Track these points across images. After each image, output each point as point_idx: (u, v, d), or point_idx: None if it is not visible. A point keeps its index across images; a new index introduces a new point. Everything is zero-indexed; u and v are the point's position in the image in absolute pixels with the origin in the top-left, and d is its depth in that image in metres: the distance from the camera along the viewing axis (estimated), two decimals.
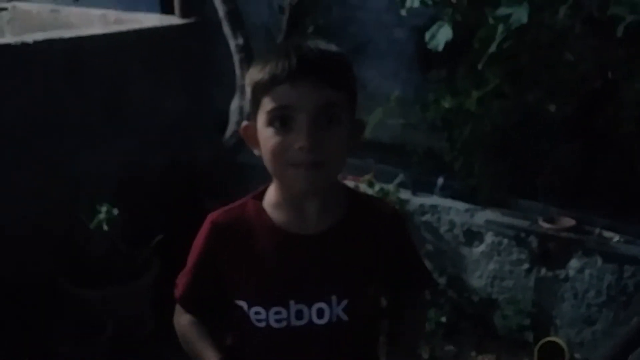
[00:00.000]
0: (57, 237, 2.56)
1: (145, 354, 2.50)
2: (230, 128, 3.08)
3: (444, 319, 2.71)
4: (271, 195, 1.11)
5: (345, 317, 1.08)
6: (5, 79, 2.41)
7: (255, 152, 1.07)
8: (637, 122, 2.92)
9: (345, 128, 1.02)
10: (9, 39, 2.61)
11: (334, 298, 1.07)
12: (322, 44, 1.05)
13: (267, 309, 1.07)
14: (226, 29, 3.04)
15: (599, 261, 2.46)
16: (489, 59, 2.38)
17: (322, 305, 1.07)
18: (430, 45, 2.48)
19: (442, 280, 2.75)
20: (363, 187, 2.88)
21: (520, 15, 2.23)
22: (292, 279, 1.08)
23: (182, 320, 1.18)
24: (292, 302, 1.07)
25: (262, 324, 1.08)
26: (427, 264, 2.73)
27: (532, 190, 3.11)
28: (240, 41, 3.01)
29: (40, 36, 2.54)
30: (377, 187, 2.88)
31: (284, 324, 1.07)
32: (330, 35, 4.07)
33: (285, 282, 1.08)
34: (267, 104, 1.01)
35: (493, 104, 2.86)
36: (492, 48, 2.30)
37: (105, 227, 2.36)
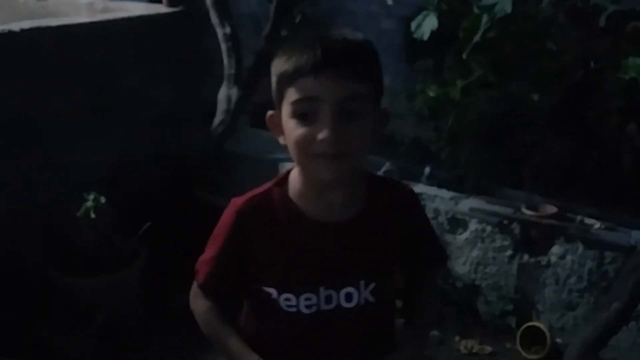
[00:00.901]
0: (45, 227, 2.56)
1: (135, 342, 2.52)
2: (218, 117, 3.09)
3: None
4: (295, 183, 1.11)
5: (372, 299, 1.12)
6: None
7: (280, 140, 1.08)
8: (621, 112, 2.97)
9: (370, 119, 1.03)
10: None
11: (362, 282, 1.10)
12: (349, 33, 1.05)
13: (297, 296, 1.09)
14: (213, 17, 3.05)
15: (580, 248, 2.51)
16: (473, 48, 2.42)
17: (351, 289, 1.10)
18: (416, 35, 2.50)
19: None
20: None
21: (505, 5, 2.26)
22: (321, 266, 1.09)
23: (201, 305, 1.18)
24: (321, 288, 1.09)
25: (293, 309, 1.10)
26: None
27: (518, 180, 3.16)
28: (228, 30, 3.02)
29: (27, 24, 2.54)
30: None
31: (314, 309, 1.10)
32: (318, 26, 4.09)
33: (314, 269, 1.09)
34: (291, 95, 1.01)
35: (478, 94, 2.90)
36: (477, 38, 2.33)
37: (93, 215, 2.38)
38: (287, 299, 1.10)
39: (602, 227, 2.53)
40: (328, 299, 1.10)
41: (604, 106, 2.96)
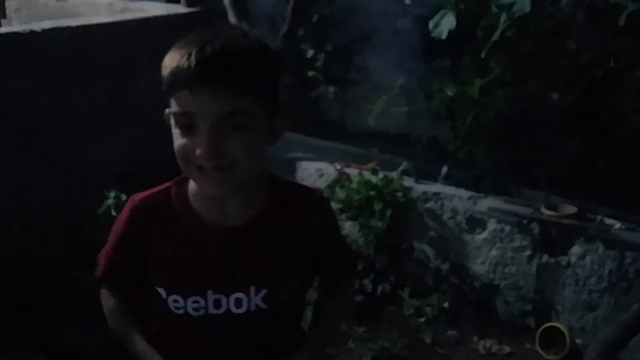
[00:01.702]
0: (64, 224, 2.59)
1: None
2: None
3: (446, 305, 2.74)
4: (193, 184, 1.08)
5: (264, 306, 1.08)
6: (13, 67, 2.44)
7: None
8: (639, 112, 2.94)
9: (257, 130, 0.99)
10: (17, 27, 2.64)
11: (252, 288, 1.07)
12: (236, 38, 0.98)
13: (184, 298, 1.07)
14: (231, 17, 3.07)
15: (601, 248, 2.48)
16: (491, 47, 2.40)
17: (240, 295, 1.07)
18: (434, 34, 2.49)
19: (444, 267, 2.79)
20: (367, 175, 2.91)
21: (523, 4, 2.24)
22: (210, 270, 1.07)
23: (107, 302, 1.18)
24: (209, 292, 1.07)
25: (181, 312, 1.08)
26: (429, 250, 2.81)
27: (535, 180, 3.14)
28: (255, 34, 3.03)
29: (48, 25, 2.57)
30: (380, 174, 2.91)
31: (202, 312, 1.07)
32: (335, 25, 4.10)
33: (203, 272, 1.07)
34: (172, 105, 0.98)
35: (496, 93, 2.88)
36: (495, 37, 2.31)
37: (114, 213, 2.40)
38: (175, 301, 1.08)
39: (623, 227, 2.51)
40: (217, 304, 1.07)
41: (622, 106, 2.93)
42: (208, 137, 0.95)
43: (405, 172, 2.97)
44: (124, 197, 2.45)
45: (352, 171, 2.99)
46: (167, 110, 1.04)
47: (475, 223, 2.74)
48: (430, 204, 2.84)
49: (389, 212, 2.83)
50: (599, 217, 2.57)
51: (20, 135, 2.47)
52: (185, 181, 1.10)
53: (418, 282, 2.85)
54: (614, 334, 2.22)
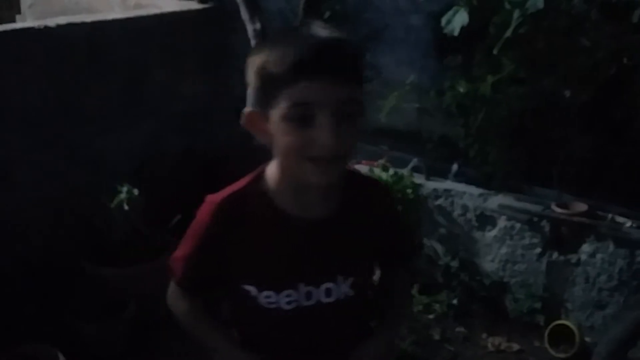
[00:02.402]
0: (78, 218, 2.62)
1: (164, 332, 2.56)
2: None
3: (455, 301, 2.75)
4: (273, 179, 1.09)
5: (351, 293, 1.13)
6: (27, 63, 2.46)
7: (260, 139, 1.06)
8: None
9: (360, 122, 1.02)
10: (32, 22, 2.66)
11: (340, 277, 1.11)
12: (336, 33, 1.01)
13: (278, 293, 1.09)
14: (244, 13, 3.07)
15: (611, 246, 2.48)
16: (504, 44, 2.40)
17: (330, 285, 1.11)
18: (446, 30, 2.49)
19: (454, 264, 2.79)
20: (377, 172, 2.92)
21: (537, 0, 2.24)
22: (300, 264, 1.10)
23: (182, 305, 1.19)
24: (301, 285, 1.09)
25: (273, 306, 1.10)
26: (439, 247, 2.81)
27: (547, 178, 3.12)
28: (258, 26, 3.04)
29: (62, 20, 2.59)
30: (391, 171, 2.91)
31: (294, 305, 1.10)
32: (346, 21, 4.09)
33: (294, 266, 1.09)
34: (285, 99, 0.97)
35: (508, 90, 2.87)
36: (508, 33, 2.31)
37: (126, 207, 2.42)
38: (268, 296, 1.09)
39: (634, 225, 2.50)
40: (308, 295, 1.10)
41: (636, 104, 2.91)
42: (331, 126, 0.97)
43: (415, 169, 2.97)
44: (136, 191, 2.47)
45: (363, 168, 3.00)
46: (247, 110, 1.06)
47: (485, 220, 2.74)
48: (440, 201, 2.85)
49: (399, 208, 2.83)
50: (609, 216, 2.56)
51: (34, 130, 2.50)
52: (260, 178, 1.11)
53: (427, 278, 2.86)
54: (623, 332, 2.22)
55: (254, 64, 1.02)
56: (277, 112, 0.99)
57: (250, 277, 1.10)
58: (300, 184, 1.05)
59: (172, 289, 1.21)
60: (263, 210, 1.09)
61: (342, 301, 1.12)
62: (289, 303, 1.10)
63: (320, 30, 1.00)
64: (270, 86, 0.99)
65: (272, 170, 1.10)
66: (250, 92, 1.05)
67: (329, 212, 1.10)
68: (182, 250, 1.16)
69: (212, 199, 1.11)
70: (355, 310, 1.17)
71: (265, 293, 1.09)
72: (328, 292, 1.11)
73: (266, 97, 1.01)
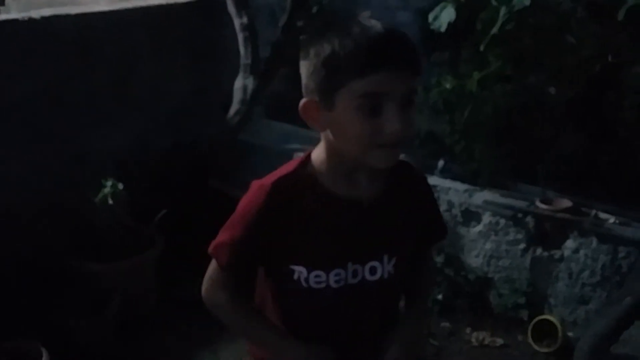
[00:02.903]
0: (64, 213, 2.60)
1: (150, 328, 2.56)
2: (234, 107, 3.11)
3: (440, 297, 2.76)
4: (319, 164, 1.12)
5: (393, 272, 1.17)
6: (12, 55, 2.43)
7: (315, 127, 1.09)
8: (638, 107, 2.94)
9: (415, 107, 1.07)
10: (16, 14, 2.63)
11: (385, 257, 1.16)
12: (388, 25, 1.04)
13: (327, 272, 1.12)
14: (231, 7, 3.06)
15: (594, 242, 2.50)
16: (491, 40, 2.41)
17: (375, 263, 1.15)
18: (434, 26, 2.50)
19: (439, 259, 2.80)
20: None
21: None
22: (349, 243, 1.13)
23: (222, 296, 1.18)
24: (349, 264, 1.14)
25: (322, 285, 1.13)
26: None
27: (532, 174, 3.14)
28: (245, 20, 3.03)
29: (47, 12, 2.56)
30: None
31: (342, 283, 1.14)
32: (340, 15, 4.09)
33: (343, 246, 1.13)
34: (357, 89, 1.00)
35: (494, 87, 2.88)
36: (495, 30, 2.33)
37: (110, 201, 2.41)
38: (317, 276, 1.12)
39: (617, 221, 2.52)
40: (354, 273, 1.15)
41: (621, 101, 2.93)
42: (399, 114, 1.01)
43: None
44: (120, 186, 2.45)
45: None
46: (305, 101, 1.06)
47: (470, 216, 2.76)
48: None
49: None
50: (593, 212, 2.59)
51: (18, 124, 2.47)
52: (307, 163, 1.14)
53: None
54: (606, 328, 2.25)
55: (317, 53, 1.03)
56: (344, 102, 1.02)
57: (301, 258, 1.12)
58: (350, 168, 1.10)
59: (214, 277, 1.19)
60: (312, 193, 1.12)
61: (385, 280, 1.16)
62: (337, 282, 1.13)
63: (373, 22, 1.03)
64: (338, 76, 1.01)
65: (318, 154, 1.13)
66: (307, 82, 1.06)
67: (375, 193, 1.15)
68: (229, 235, 1.16)
69: (262, 184, 1.13)
70: (394, 290, 1.22)
71: (315, 272, 1.12)
72: (373, 270, 1.15)
73: (331, 87, 1.03)
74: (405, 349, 1.19)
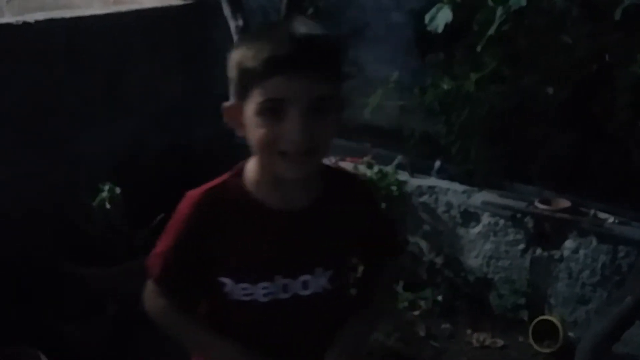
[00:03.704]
0: (57, 216, 2.57)
1: (146, 331, 2.53)
2: None
3: (440, 298, 2.76)
4: (252, 173, 1.11)
5: (329, 287, 1.12)
6: (5, 59, 2.41)
7: (239, 133, 1.07)
8: (632, 107, 2.95)
9: (335, 117, 1.03)
10: (9, 18, 2.60)
11: (319, 270, 1.11)
12: (316, 28, 1.02)
13: (254, 284, 1.09)
14: (226, 10, 3.03)
15: (594, 242, 2.50)
16: (487, 41, 2.40)
17: (307, 277, 1.11)
18: (430, 27, 2.49)
19: (438, 260, 2.80)
20: (362, 169, 2.91)
21: None
22: (277, 255, 1.09)
23: (160, 303, 1.16)
24: (278, 277, 1.09)
25: (249, 298, 1.09)
26: (423, 243, 2.81)
27: (527, 175, 3.14)
28: (240, 22, 3.01)
29: (41, 16, 2.54)
30: (375, 168, 2.91)
31: (271, 297, 1.10)
32: (328, 18, 4.08)
33: (271, 258, 1.09)
34: (258, 94, 0.99)
35: (490, 88, 2.88)
36: (491, 31, 2.32)
37: (108, 206, 2.39)
38: (244, 288, 1.09)
39: (616, 221, 2.52)
40: (285, 288, 1.10)
41: (616, 101, 2.94)
42: (300, 121, 0.98)
43: (400, 167, 2.97)
44: (118, 189, 2.43)
45: (347, 165, 2.99)
46: (227, 104, 1.07)
47: (469, 217, 2.76)
48: (424, 198, 2.85)
49: (383, 205, 2.83)
50: (592, 212, 2.59)
51: (13, 127, 2.45)
52: (240, 172, 1.12)
53: (412, 275, 2.86)
54: (607, 327, 2.24)
55: (232, 58, 1.04)
56: (250, 106, 1.01)
57: (227, 270, 1.10)
58: (277, 177, 1.07)
59: (150, 288, 1.18)
60: (242, 203, 1.10)
61: (320, 295, 1.12)
62: (265, 295, 1.09)
63: (301, 26, 1.00)
64: (245, 80, 1.01)
65: (251, 164, 1.11)
66: (230, 85, 1.07)
67: (308, 204, 1.11)
68: (161, 246, 1.14)
69: (192, 194, 1.12)
70: (333, 306, 1.16)
71: (242, 285, 1.09)
72: (305, 285, 1.11)
73: (243, 91, 1.02)
74: (342, 358, 1.12)
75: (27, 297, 2.42)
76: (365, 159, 2.97)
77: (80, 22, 2.65)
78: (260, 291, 1.09)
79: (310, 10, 3.69)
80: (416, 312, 2.75)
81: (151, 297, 1.18)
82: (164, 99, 3.00)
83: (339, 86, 1.04)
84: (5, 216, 2.45)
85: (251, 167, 1.11)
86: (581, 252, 2.53)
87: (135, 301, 2.70)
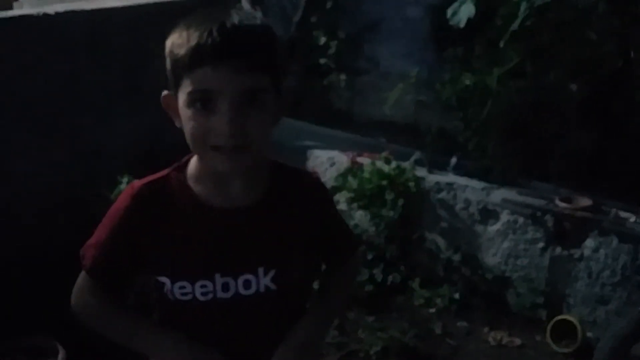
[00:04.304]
0: (77, 209, 2.58)
1: None
2: None
3: (457, 296, 2.74)
4: (194, 168, 1.07)
5: (273, 287, 1.08)
6: (25, 51, 2.41)
7: (177, 123, 1.04)
8: None
9: (269, 109, 1.00)
10: (30, 10, 2.61)
11: (260, 269, 1.07)
12: (248, 18, 0.99)
13: (192, 283, 1.05)
14: (245, 3, 3.04)
15: (615, 241, 2.47)
16: (510, 36, 2.38)
17: (249, 276, 1.06)
18: (452, 22, 2.47)
19: (456, 258, 2.78)
20: (379, 164, 2.90)
21: None
22: (216, 253, 1.06)
23: (91, 300, 1.12)
24: (217, 275, 1.05)
25: (188, 297, 1.06)
26: (440, 240, 2.79)
27: (545, 172, 3.11)
28: (259, 15, 3.00)
29: (61, 8, 2.54)
30: (393, 164, 2.89)
31: (210, 296, 1.06)
32: (348, 13, 4.07)
33: (209, 256, 1.06)
34: (187, 85, 0.96)
35: (511, 83, 2.85)
36: (515, 25, 2.29)
37: None
38: (182, 287, 1.05)
39: (638, 220, 2.49)
40: (225, 287, 1.06)
41: (636, 98, 2.90)
42: (229, 114, 0.95)
43: (418, 162, 2.95)
44: None
45: (365, 160, 2.98)
46: (165, 93, 1.05)
47: (488, 214, 2.73)
48: (442, 195, 2.83)
49: (400, 201, 2.81)
50: (613, 211, 2.55)
51: (32, 119, 2.45)
52: (184, 167, 1.09)
53: (429, 272, 2.85)
54: (627, 328, 2.22)
55: (166, 45, 1.01)
56: (181, 97, 0.99)
57: (165, 268, 1.06)
58: (218, 174, 1.04)
59: (81, 281, 1.13)
60: (182, 199, 1.06)
61: (262, 295, 1.07)
62: (204, 294, 1.05)
63: (235, 15, 0.97)
64: (175, 70, 0.98)
65: (195, 159, 1.08)
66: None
67: (251, 201, 1.07)
68: (96, 236, 1.11)
69: (133, 185, 1.09)
70: (278, 306, 1.11)
71: (179, 284, 1.05)
72: (247, 285, 1.06)
73: (175, 81, 1.00)
74: (292, 354, 1.08)
75: (46, 288, 2.43)
76: (383, 154, 2.95)
77: (100, 14, 2.64)
78: (199, 289, 1.05)
79: (329, 4, 3.69)
80: (432, 310, 2.73)
81: (82, 291, 1.13)
82: None
83: (276, 78, 1.00)
84: (25, 207, 2.46)
85: (194, 161, 1.08)
86: (602, 251, 2.50)
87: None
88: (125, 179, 2.41)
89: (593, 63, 2.61)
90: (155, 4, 2.89)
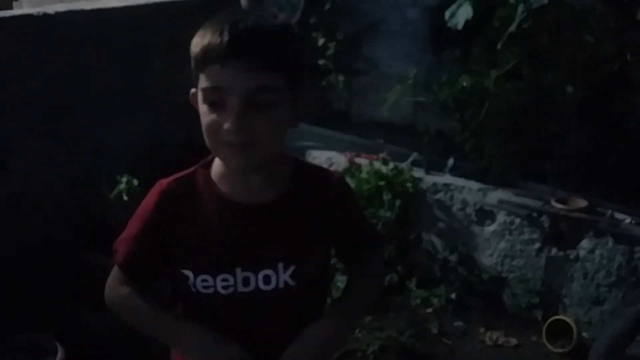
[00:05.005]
0: (77, 207, 2.59)
1: None
2: None
3: (453, 296, 2.76)
4: (218, 165, 1.11)
5: (292, 283, 1.10)
6: (26, 50, 2.42)
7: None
8: None
9: (283, 108, 1.01)
10: (30, 9, 2.62)
11: (280, 265, 1.09)
12: (265, 17, 1.02)
13: (214, 277, 1.08)
14: (244, 4, 3.05)
15: (610, 242, 2.49)
16: (508, 38, 2.39)
17: (269, 272, 1.08)
18: (450, 24, 2.49)
19: (453, 258, 2.79)
20: (377, 165, 2.91)
21: None
22: (238, 247, 1.09)
23: (123, 291, 1.15)
24: (238, 270, 1.08)
25: (210, 290, 1.08)
26: (437, 241, 2.81)
27: (542, 173, 3.13)
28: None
29: (61, 7, 2.55)
30: (391, 165, 2.91)
31: (231, 290, 1.08)
32: (346, 14, 4.08)
33: (231, 250, 1.09)
34: (202, 82, 1.02)
35: (508, 85, 2.87)
36: (512, 27, 2.31)
37: (125, 197, 2.40)
38: (204, 280, 1.08)
39: (633, 222, 2.51)
40: (246, 281, 1.08)
41: (633, 100, 2.92)
42: (237, 111, 0.98)
43: (416, 163, 2.97)
44: (135, 181, 2.44)
45: (363, 161, 2.99)
46: (192, 90, 1.08)
47: (484, 215, 2.75)
48: (439, 195, 2.85)
49: (398, 202, 2.83)
50: (609, 212, 2.57)
51: (33, 119, 2.46)
52: (210, 164, 1.13)
53: (426, 272, 2.86)
54: (622, 329, 2.24)
55: (191, 44, 1.05)
56: (199, 94, 1.04)
57: (188, 261, 1.09)
58: (238, 170, 1.07)
59: (114, 274, 1.17)
60: (207, 195, 1.10)
61: (282, 290, 1.09)
62: (225, 288, 1.08)
63: (250, 15, 1.02)
64: (195, 67, 1.04)
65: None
66: None
67: (272, 197, 1.10)
68: (127, 232, 1.15)
69: (161, 182, 1.13)
70: (295, 302, 1.12)
71: (202, 277, 1.08)
72: (267, 280, 1.09)
73: (195, 78, 1.05)
74: (306, 351, 1.08)
75: (46, 286, 2.44)
76: (381, 155, 2.97)
77: (100, 14, 2.65)
78: (220, 283, 1.08)
79: (328, 5, 3.70)
80: (429, 310, 2.75)
81: (114, 285, 1.16)
82: (183, 93, 2.98)
83: (287, 78, 1.01)
84: (26, 206, 2.47)
85: (217, 159, 1.11)
86: (597, 252, 2.52)
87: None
88: (124, 179, 2.42)
89: (590, 65, 2.63)
90: (155, 4, 2.90)
